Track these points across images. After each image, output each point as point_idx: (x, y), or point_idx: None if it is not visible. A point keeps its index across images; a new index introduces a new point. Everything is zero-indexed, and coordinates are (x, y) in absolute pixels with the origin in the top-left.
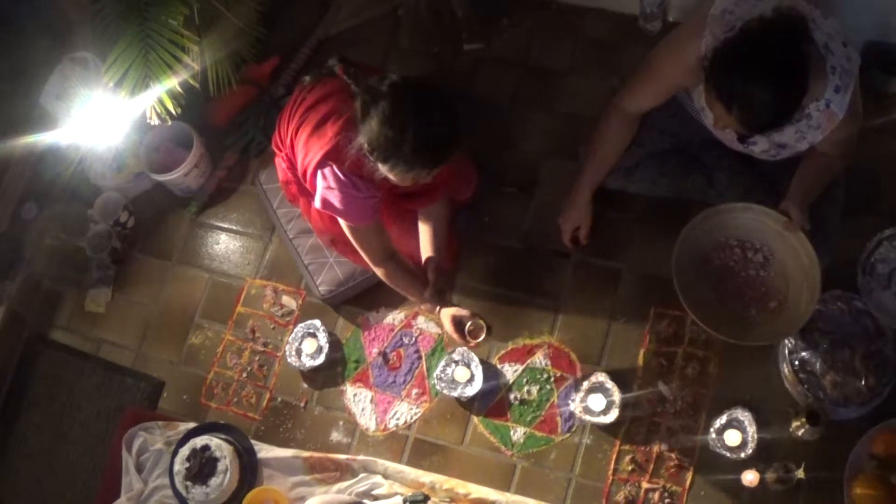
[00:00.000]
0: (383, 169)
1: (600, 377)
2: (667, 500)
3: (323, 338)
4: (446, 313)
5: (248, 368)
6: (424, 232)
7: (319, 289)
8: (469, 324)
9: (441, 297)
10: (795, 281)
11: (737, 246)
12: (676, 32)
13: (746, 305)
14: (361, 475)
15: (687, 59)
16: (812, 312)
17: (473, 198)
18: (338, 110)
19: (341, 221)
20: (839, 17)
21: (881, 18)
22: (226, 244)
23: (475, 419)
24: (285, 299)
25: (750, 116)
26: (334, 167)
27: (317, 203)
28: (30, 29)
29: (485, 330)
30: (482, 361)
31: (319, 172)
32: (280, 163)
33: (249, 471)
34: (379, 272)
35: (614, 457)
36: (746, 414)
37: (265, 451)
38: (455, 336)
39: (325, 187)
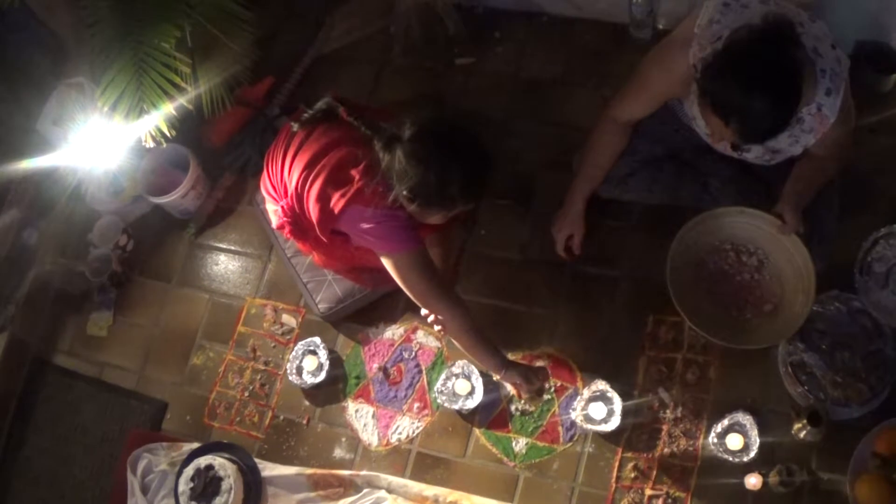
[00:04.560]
0: (422, 211)
1: (601, 385)
2: None
3: (323, 355)
4: (510, 375)
5: (250, 387)
6: (435, 255)
7: (319, 306)
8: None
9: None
10: (790, 283)
11: (731, 250)
12: (664, 43)
13: (742, 309)
14: (365, 490)
15: (675, 70)
16: (807, 314)
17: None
18: (353, 156)
19: (391, 266)
20: (829, 17)
21: (871, 18)
22: (225, 264)
23: (477, 431)
24: (285, 318)
25: (748, 129)
26: (363, 209)
27: (356, 241)
28: (26, 55)
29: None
30: (482, 374)
31: (347, 218)
32: (275, 211)
33: (254, 489)
34: (446, 310)
35: (617, 464)
36: (748, 417)
37: (269, 470)
38: (522, 387)
39: (361, 228)
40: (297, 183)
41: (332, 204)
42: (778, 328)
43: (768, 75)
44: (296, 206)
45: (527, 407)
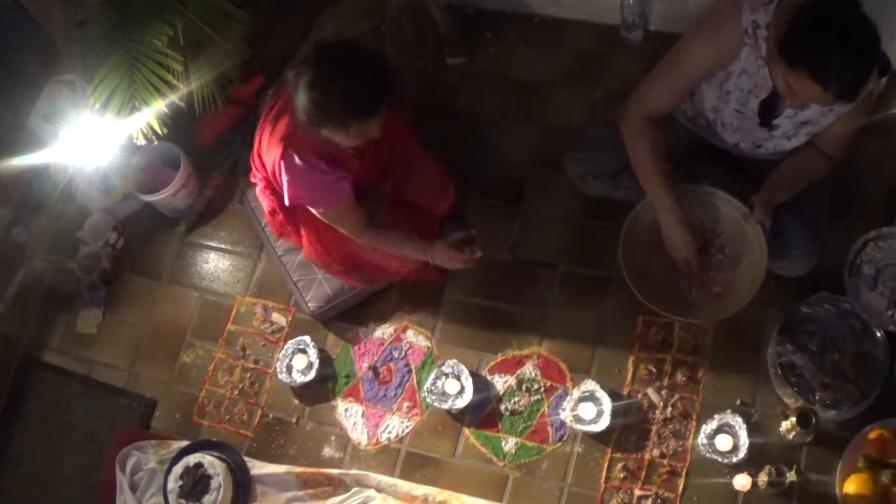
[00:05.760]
0: (326, 134)
1: (590, 386)
2: None
3: (313, 354)
4: (438, 249)
5: (240, 386)
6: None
7: (308, 305)
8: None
9: (430, 244)
10: (744, 272)
11: (696, 228)
12: (706, 18)
13: (690, 286)
14: (354, 489)
15: (725, 38)
16: (746, 304)
17: (453, 209)
18: (289, 107)
19: (320, 216)
20: None
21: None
22: (215, 263)
23: (466, 431)
24: (275, 316)
25: (847, 88)
26: (295, 155)
27: (287, 198)
28: (17, 51)
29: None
30: (472, 373)
31: (283, 165)
32: (263, 193)
33: (243, 487)
34: (364, 241)
35: (606, 464)
36: (737, 418)
37: (258, 468)
38: (455, 261)
39: (291, 178)
40: (258, 150)
41: (271, 159)
42: (716, 311)
43: (853, 34)
44: (264, 171)
45: (516, 407)
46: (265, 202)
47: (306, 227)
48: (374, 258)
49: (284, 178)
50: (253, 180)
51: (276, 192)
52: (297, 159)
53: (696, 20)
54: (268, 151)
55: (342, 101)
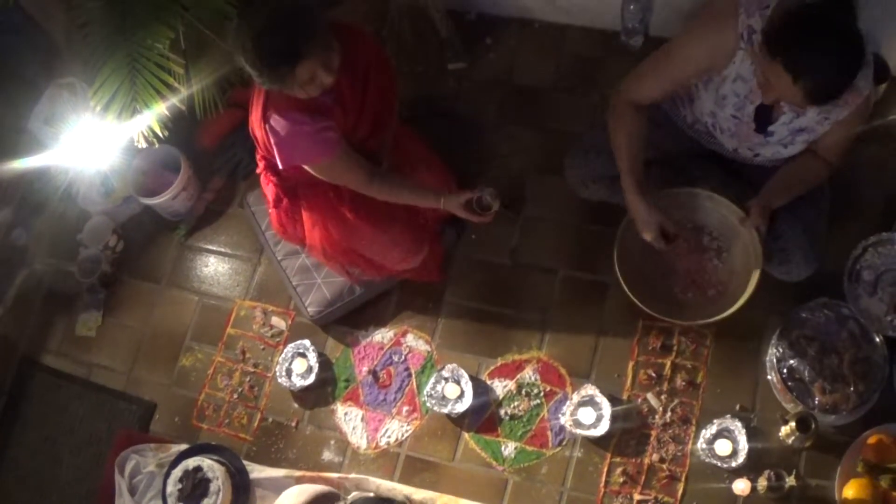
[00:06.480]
0: (280, 88)
1: (590, 390)
2: None
3: (313, 357)
4: (451, 202)
5: (239, 389)
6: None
7: (308, 309)
8: (476, 197)
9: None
10: (738, 276)
11: (693, 229)
12: (703, 18)
13: (686, 289)
14: (354, 493)
15: (719, 40)
16: (738, 309)
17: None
18: None
19: (311, 169)
20: None
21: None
22: (215, 266)
23: (466, 435)
24: (275, 320)
25: (817, 86)
26: (275, 115)
27: (279, 163)
28: (18, 54)
29: (492, 196)
30: (472, 378)
31: (268, 129)
32: (266, 177)
33: (242, 491)
34: (373, 192)
35: (605, 469)
36: (736, 423)
37: (257, 472)
38: (471, 218)
39: (277, 139)
40: (251, 123)
41: (257, 128)
42: (709, 312)
43: (841, 37)
44: (262, 148)
45: (515, 411)
46: (269, 190)
47: (308, 210)
48: (374, 251)
49: (273, 142)
50: (258, 171)
51: (276, 172)
52: (277, 118)
53: (693, 17)
54: (257, 125)
55: (260, 59)
